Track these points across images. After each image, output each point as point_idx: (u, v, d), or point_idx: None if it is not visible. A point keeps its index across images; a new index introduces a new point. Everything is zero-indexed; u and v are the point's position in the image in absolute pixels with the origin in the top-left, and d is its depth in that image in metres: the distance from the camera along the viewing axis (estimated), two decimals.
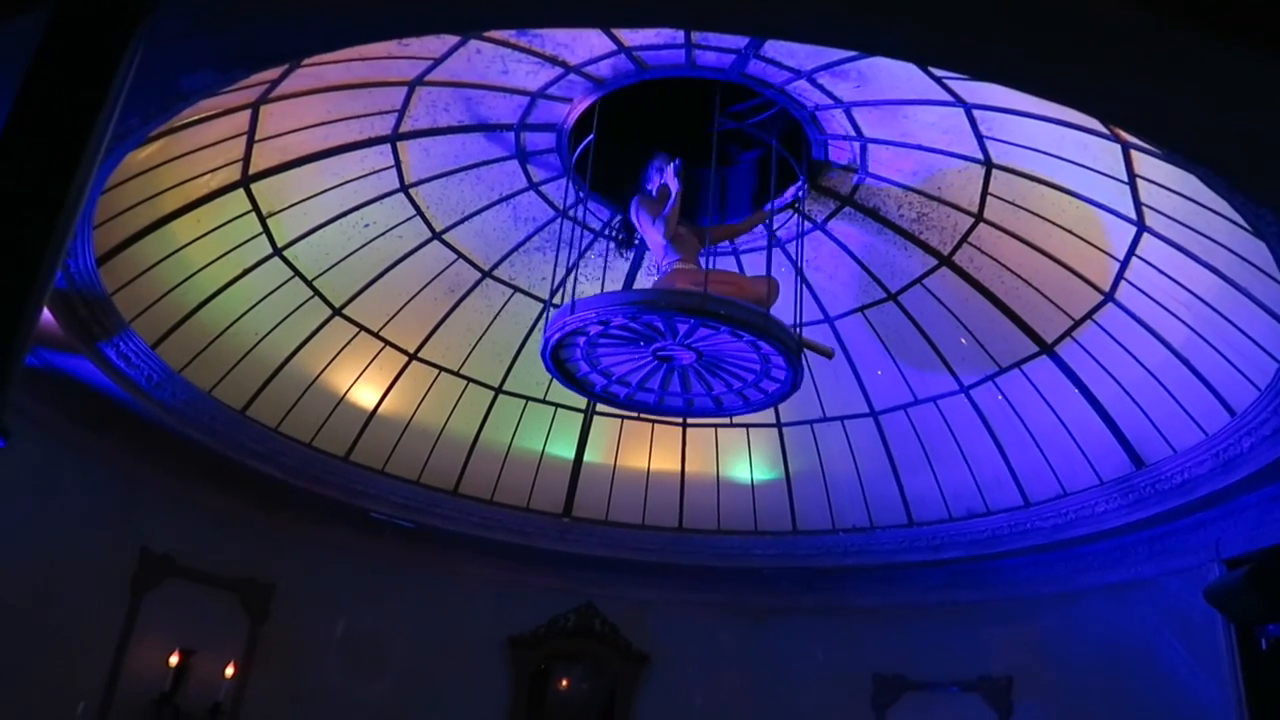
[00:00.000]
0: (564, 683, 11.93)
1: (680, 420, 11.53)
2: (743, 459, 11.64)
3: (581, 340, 7.45)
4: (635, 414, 11.44)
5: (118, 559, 9.45)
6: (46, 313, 7.56)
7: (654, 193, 8.19)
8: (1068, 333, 9.15)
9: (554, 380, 10.81)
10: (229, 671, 10.01)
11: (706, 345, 7.42)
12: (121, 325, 8.29)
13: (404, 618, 11.28)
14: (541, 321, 10.52)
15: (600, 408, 11.36)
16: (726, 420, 11.42)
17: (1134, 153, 6.95)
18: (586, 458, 11.64)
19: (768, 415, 11.25)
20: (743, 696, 11.42)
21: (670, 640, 11.75)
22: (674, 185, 7.81)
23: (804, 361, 7.78)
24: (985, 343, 9.71)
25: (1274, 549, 8.25)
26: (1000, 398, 9.99)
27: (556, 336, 7.33)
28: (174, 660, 9.56)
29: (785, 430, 11.31)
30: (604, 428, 11.58)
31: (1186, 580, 9.04)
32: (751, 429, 11.42)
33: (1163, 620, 9.27)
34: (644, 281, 9.75)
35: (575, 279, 9.23)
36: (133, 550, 9.59)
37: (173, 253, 8.58)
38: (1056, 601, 10.21)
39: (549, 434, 11.48)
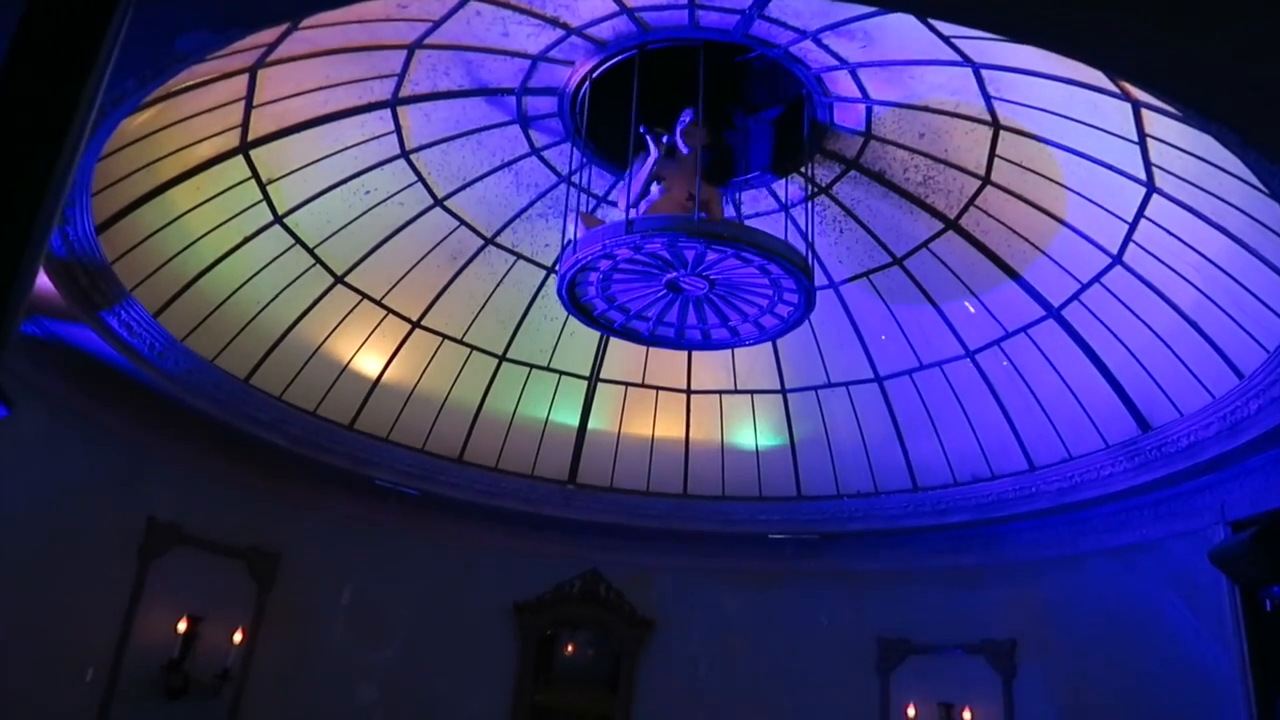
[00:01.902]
0: (570, 648, 12.02)
1: (684, 387, 11.52)
2: (747, 425, 11.63)
3: (595, 276, 7.46)
4: (639, 381, 11.45)
5: (124, 527, 9.48)
6: (47, 281, 7.51)
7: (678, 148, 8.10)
8: (1075, 296, 9.08)
9: (557, 347, 10.93)
10: (237, 638, 10.08)
11: (718, 273, 7.42)
12: (122, 294, 8.25)
13: (410, 584, 11.34)
14: (544, 289, 10.48)
15: (604, 374, 11.34)
16: (731, 386, 11.41)
17: (1145, 111, 6.84)
18: (591, 425, 11.64)
19: (772, 381, 11.23)
20: (747, 661, 11.50)
21: (675, 605, 11.81)
22: (681, 146, 7.80)
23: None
24: (991, 307, 9.64)
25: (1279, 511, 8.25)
26: (1006, 362, 9.95)
27: (571, 272, 7.33)
28: (182, 627, 9.62)
29: (790, 396, 11.28)
30: (608, 395, 11.56)
31: (1191, 543, 9.04)
32: (756, 395, 11.40)
33: (1167, 583, 9.29)
34: None
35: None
36: (139, 519, 9.61)
37: (172, 220, 8.52)
38: (1061, 565, 10.24)
39: (553, 401, 11.46)
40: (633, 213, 7.71)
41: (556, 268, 7.68)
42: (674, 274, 7.42)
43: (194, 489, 10.07)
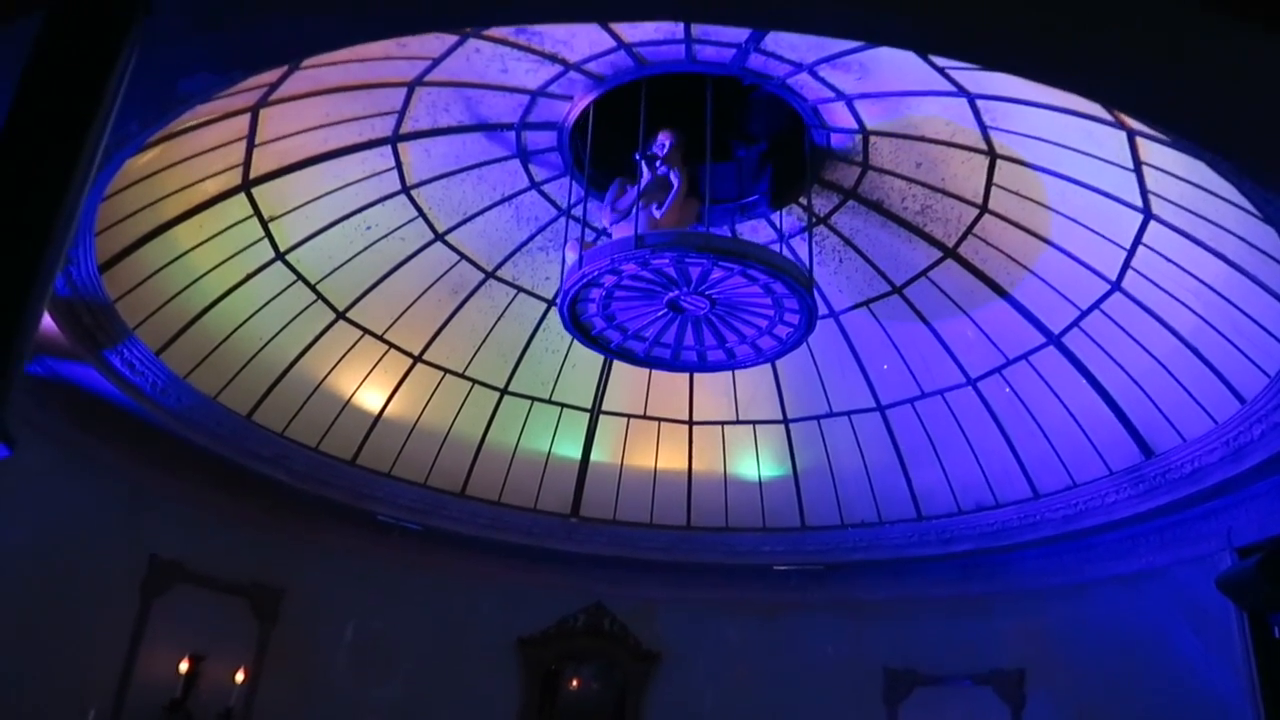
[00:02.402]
0: (575, 682, 11.91)
1: (686, 418, 11.51)
2: (750, 456, 11.60)
3: (598, 293, 7.46)
4: (641, 413, 11.45)
5: (127, 565, 9.44)
6: (50, 321, 7.55)
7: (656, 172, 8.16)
8: (1075, 323, 9.10)
9: (559, 379, 10.94)
10: (239, 676, 10.00)
11: (719, 292, 7.42)
12: (125, 332, 8.28)
13: (414, 620, 11.26)
14: (545, 321, 10.52)
15: (606, 406, 11.34)
16: (733, 417, 11.40)
17: (1140, 140, 6.90)
18: (593, 457, 11.62)
19: (774, 411, 11.23)
20: (754, 693, 11.38)
21: (680, 638, 11.72)
22: (673, 178, 7.87)
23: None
24: (992, 334, 9.66)
25: None
26: (1007, 390, 9.94)
27: (575, 288, 7.34)
28: (184, 666, 9.55)
29: (792, 426, 11.27)
30: (610, 427, 11.55)
31: (1198, 569, 8.98)
32: (759, 425, 11.39)
33: (1175, 610, 9.22)
34: None
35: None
36: (141, 557, 9.58)
37: (175, 259, 8.57)
38: (1068, 593, 10.16)
39: (555, 434, 11.45)
40: (622, 230, 7.78)
41: (557, 300, 7.68)
42: (675, 292, 7.43)
43: (196, 526, 10.03)
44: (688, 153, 8.10)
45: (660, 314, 7.74)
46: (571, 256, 7.75)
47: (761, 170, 8.81)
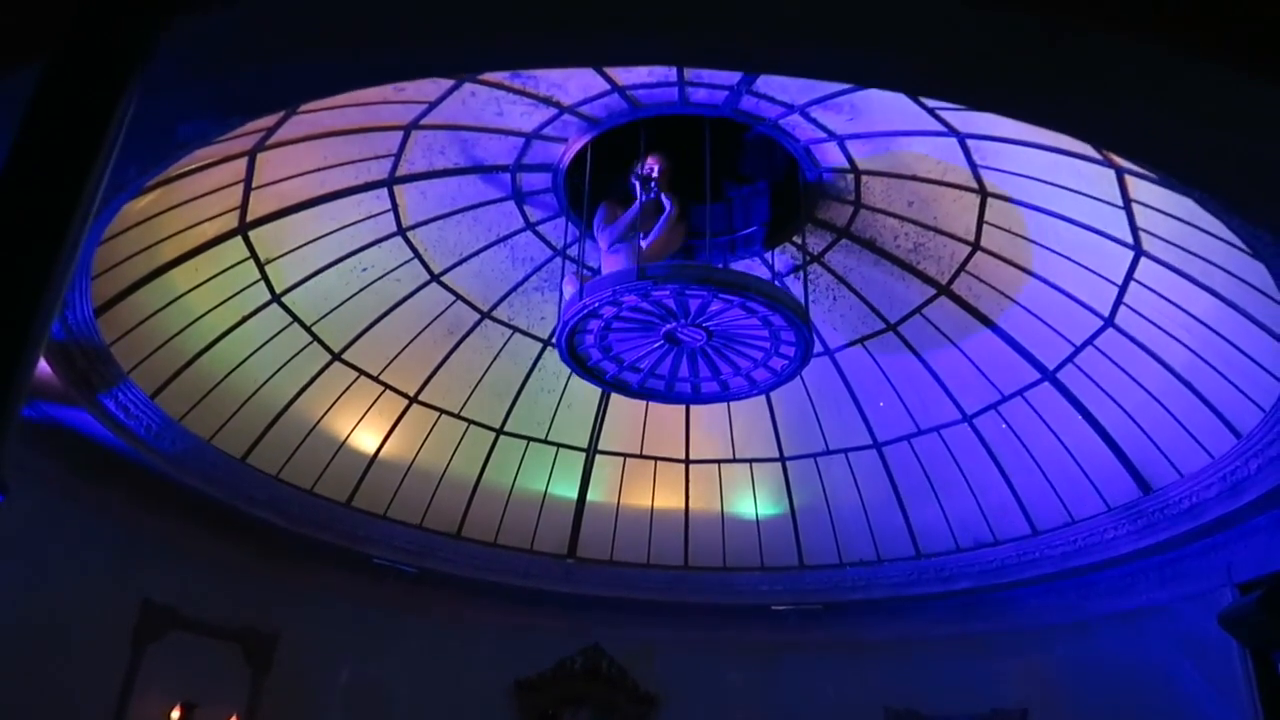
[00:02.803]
0: None
1: (683, 457, 11.49)
2: (747, 494, 11.56)
3: (597, 324, 7.51)
4: (638, 452, 11.42)
5: (119, 611, 9.33)
6: (45, 365, 7.53)
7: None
8: (1069, 359, 9.12)
9: (555, 419, 10.92)
10: None
11: (716, 324, 7.49)
12: (120, 375, 8.26)
13: (409, 664, 11.12)
14: (541, 361, 10.53)
15: (603, 445, 11.31)
16: (730, 455, 11.38)
17: (1128, 178, 6.97)
18: (589, 497, 11.56)
19: (771, 449, 11.20)
20: None
21: (679, 680, 11.58)
22: (666, 203, 7.98)
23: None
24: (987, 371, 9.68)
25: None
26: (1004, 425, 9.94)
27: (574, 319, 7.39)
28: (176, 715, 9.40)
29: (789, 464, 11.25)
30: (606, 466, 11.51)
31: (1199, 606, 8.92)
32: (755, 464, 11.36)
33: (1177, 647, 9.15)
34: None
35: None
36: (134, 602, 9.47)
37: (171, 301, 8.58)
38: (1069, 631, 10.08)
39: (551, 474, 11.41)
40: (614, 261, 7.84)
41: (555, 332, 7.74)
42: (672, 324, 7.49)
43: (189, 570, 9.94)
44: (676, 182, 8.19)
45: (656, 345, 7.80)
46: (570, 289, 7.80)
47: (755, 208, 8.88)
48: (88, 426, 8.49)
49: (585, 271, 9.29)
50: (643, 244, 7.96)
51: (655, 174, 8.07)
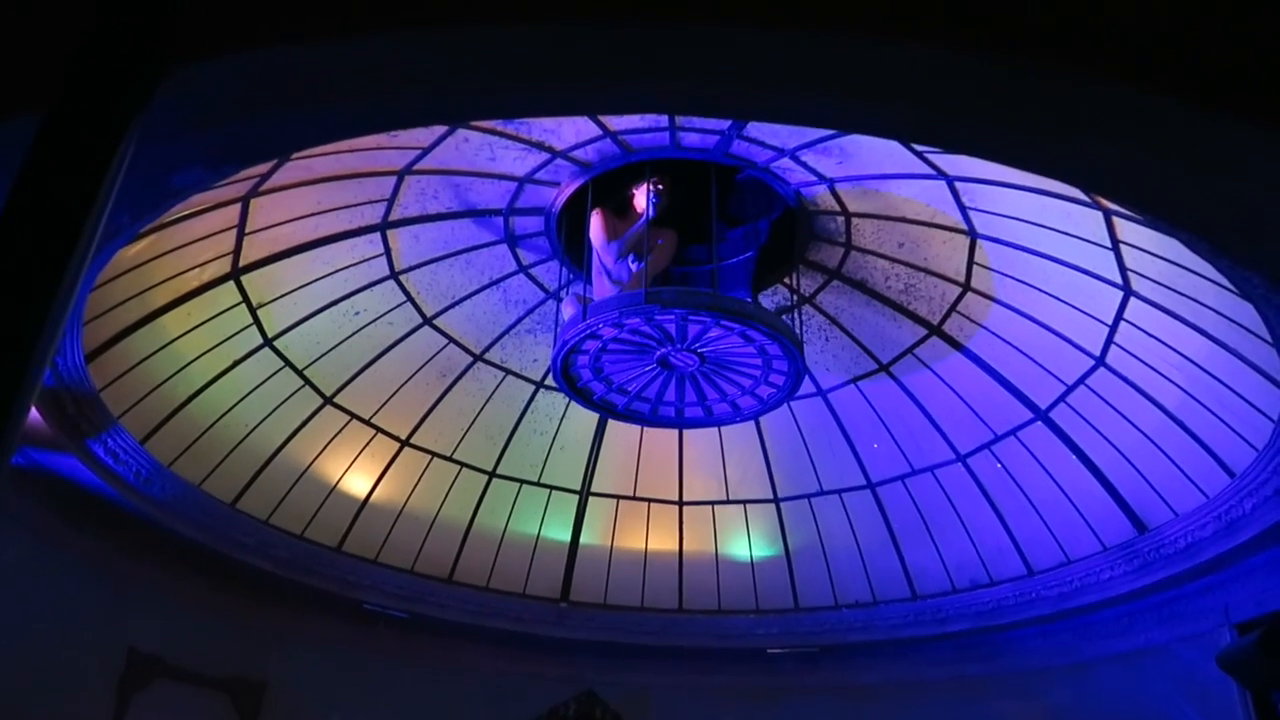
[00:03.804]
0: None
1: (676, 499, 11.43)
2: (741, 536, 11.50)
3: (594, 345, 7.57)
4: (631, 494, 11.37)
5: (104, 660, 9.18)
6: (34, 411, 7.48)
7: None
8: (1061, 398, 9.15)
9: (548, 461, 10.87)
10: None
11: (711, 350, 7.60)
12: (110, 421, 8.21)
13: (401, 712, 10.94)
14: (533, 403, 10.51)
15: (596, 488, 11.25)
16: (723, 496, 11.33)
17: (1116, 219, 7.04)
18: (583, 540, 11.47)
19: (765, 490, 11.16)
20: None
21: None
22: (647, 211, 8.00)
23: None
24: (980, 410, 9.69)
25: None
26: (998, 465, 9.94)
27: (576, 339, 7.46)
28: None
29: (783, 505, 11.20)
30: (600, 509, 11.45)
31: (1198, 647, 8.86)
32: (749, 505, 11.31)
33: (1177, 689, 9.07)
34: None
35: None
36: (119, 651, 9.32)
37: (162, 347, 8.56)
38: (1067, 673, 9.99)
39: (544, 517, 11.33)
40: (604, 282, 7.91)
41: (552, 353, 7.88)
42: (666, 349, 7.57)
43: (177, 618, 9.79)
44: (668, 215, 8.26)
45: (648, 369, 7.89)
46: (570, 310, 7.85)
47: (747, 249, 8.94)
48: (76, 473, 8.41)
49: (589, 295, 9.35)
50: (632, 266, 8.00)
51: (657, 192, 8.14)
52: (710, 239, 8.89)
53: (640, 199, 8.04)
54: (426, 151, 7.57)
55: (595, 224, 8.13)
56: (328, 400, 9.87)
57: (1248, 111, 3.01)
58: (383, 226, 8.60)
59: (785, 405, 10.33)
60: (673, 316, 7.18)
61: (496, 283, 9.38)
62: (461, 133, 7.37)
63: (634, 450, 11.03)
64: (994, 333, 9.07)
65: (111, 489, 8.66)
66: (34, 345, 2.68)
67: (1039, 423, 9.39)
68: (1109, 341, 8.46)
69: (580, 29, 3.12)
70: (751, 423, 10.71)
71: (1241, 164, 3.41)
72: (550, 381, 10.34)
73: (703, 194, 7.98)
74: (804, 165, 7.79)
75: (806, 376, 9.80)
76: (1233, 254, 4.34)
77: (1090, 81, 3.08)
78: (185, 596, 9.91)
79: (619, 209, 8.25)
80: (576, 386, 8.16)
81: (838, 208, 8.30)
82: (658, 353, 7.66)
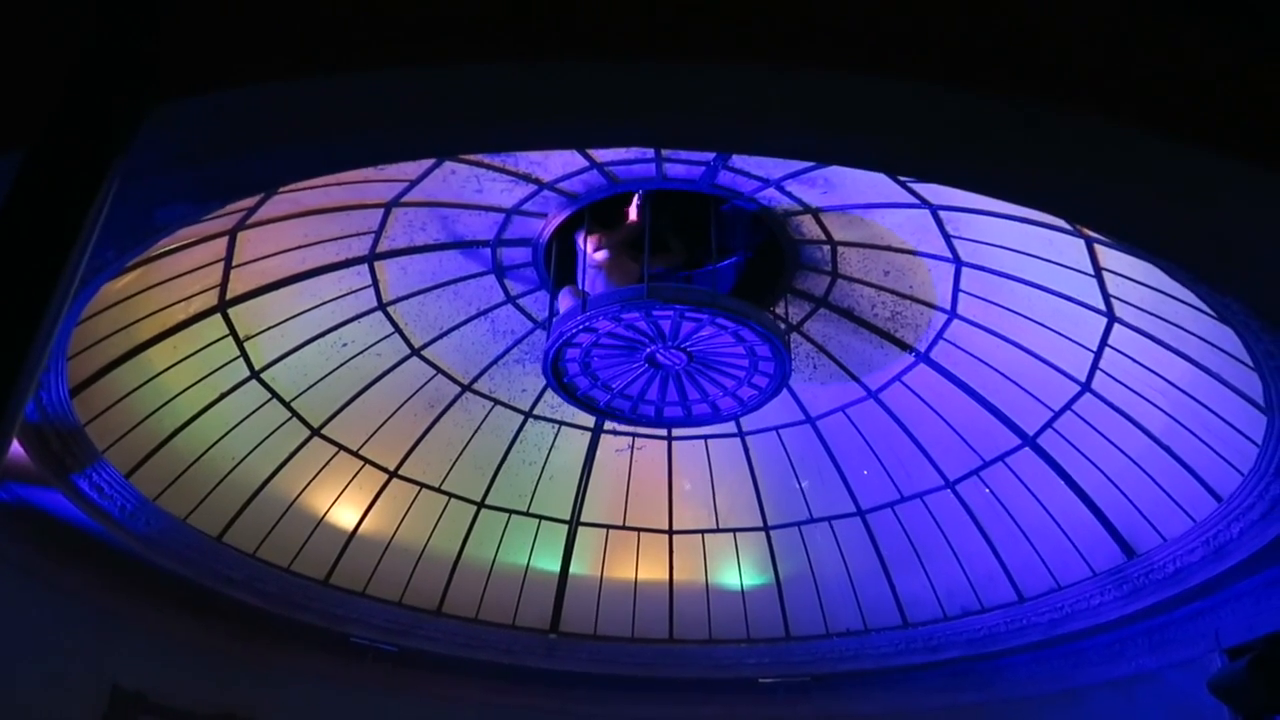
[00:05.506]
0: None
1: (666, 528, 11.39)
2: (731, 565, 11.44)
3: (587, 339, 7.65)
4: (620, 523, 11.32)
5: (87, 699, 9.03)
6: (17, 446, 7.42)
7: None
8: (1048, 424, 9.18)
9: (537, 491, 10.82)
10: None
11: (699, 348, 7.73)
12: (94, 455, 8.15)
13: None
14: (522, 432, 10.49)
15: (585, 517, 11.21)
16: (713, 525, 11.29)
17: (1098, 247, 7.11)
18: (572, 570, 11.41)
19: (754, 518, 11.13)
20: None
21: None
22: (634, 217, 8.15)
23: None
24: (967, 437, 9.71)
25: (1274, 636, 8.10)
26: (986, 491, 9.94)
27: (571, 331, 7.53)
28: None
29: (773, 533, 11.17)
30: (589, 539, 11.38)
31: (1189, 672, 8.83)
32: (739, 533, 11.28)
33: (1169, 715, 9.03)
34: None
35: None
36: (103, 688, 9.18)
37: (149, 380, 8.52)
38: (1060, 699, 9.93)
39: (533, 547, 11.26)
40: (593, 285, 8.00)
41: (546, 345, 7.99)
42: (655, 347, 7.67)
43: (162, 654, 9.66)
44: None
45: (635, 366, 8.01)
46: (566, 304, 7.90)
47: (732, 281, 8.98)
48: (60, 508, 8.34)
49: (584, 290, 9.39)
50: (598, 257, 8.12)
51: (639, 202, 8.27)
52: (700, 265, 8.99)
53: (633, 211, 8.21)
54: (414, 184, 7.60)
55: (590, 242, 8.28)
56: (315, 432, 9.82)
57: (1218, 143, 3.06)
58: (370, 258, 8.61)
59: (774, 433, 10.41)
60: (671, 312, 7.30)
61: (484, 313, 9.39)
62: (449, 165, 7.41)
63: (623, 479, 11.01)
64: (980, 359, 9.11)
65: (96, 524, 8.57)
66: (15, 379, 2.67)
67: (1026, 448, 9.42)
68: (1094, 367, 8.51)
69: (567, 65, 3.16)
70: (740, 450, 10.74)
71: (1212, 194, 3.46)
72: (539, 411, 10.35)
73: (692, 225, 8.11)
74: (789, 195, 7.86)
75: (795, 404, 9.89)
76: (1210, 281, 4.39)
77: (1075, 116, 3.13)
78: (171, 631, 9.79)
79: (606, 222, 8.35)
80: (563, 381, 8.26)
81: (823, 237, 8.36)
82: (647, 350, 7.80)
